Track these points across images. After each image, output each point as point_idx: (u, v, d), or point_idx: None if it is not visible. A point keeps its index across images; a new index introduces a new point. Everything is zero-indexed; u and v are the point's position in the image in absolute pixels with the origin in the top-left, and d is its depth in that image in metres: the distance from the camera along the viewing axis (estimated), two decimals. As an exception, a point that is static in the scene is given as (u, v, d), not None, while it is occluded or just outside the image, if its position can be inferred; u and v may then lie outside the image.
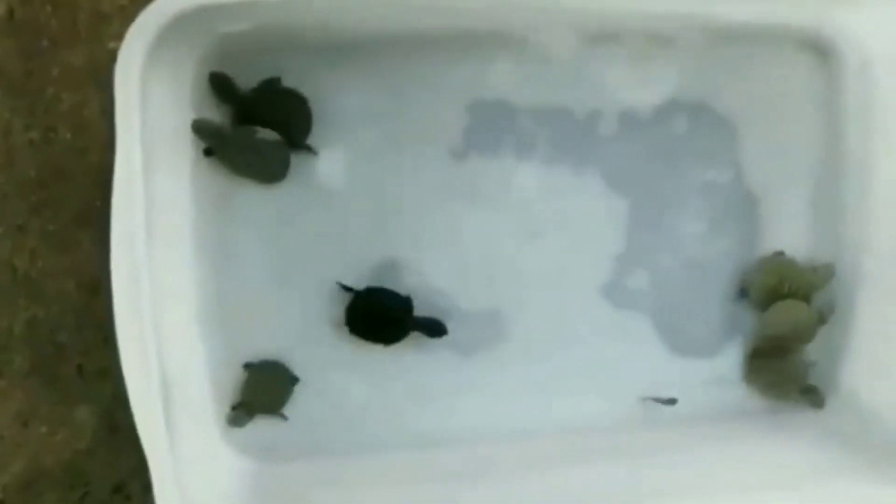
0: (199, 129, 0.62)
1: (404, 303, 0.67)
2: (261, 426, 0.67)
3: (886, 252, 0.68)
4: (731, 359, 0.71)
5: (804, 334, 0.70)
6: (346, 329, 0.66)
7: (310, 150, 0.65)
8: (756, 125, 0.69)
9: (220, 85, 0.63)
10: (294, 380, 0.67)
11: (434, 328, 0.67)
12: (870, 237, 0.69)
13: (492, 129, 0.67)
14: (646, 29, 0.66)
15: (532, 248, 0.68)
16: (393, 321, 0.67)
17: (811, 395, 0.70)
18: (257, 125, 0.63)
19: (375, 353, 0.68)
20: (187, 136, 0.62)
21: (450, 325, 0.68)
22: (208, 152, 0.63)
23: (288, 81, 0.64)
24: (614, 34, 0.66)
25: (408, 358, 0.68)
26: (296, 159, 0.66)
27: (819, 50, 0.68)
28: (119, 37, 0.54)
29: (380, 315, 0.67)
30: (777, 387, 0.71)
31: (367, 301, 0.66)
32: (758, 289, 0.70)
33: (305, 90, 0.65)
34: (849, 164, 0.69)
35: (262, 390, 0.67)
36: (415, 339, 0.68)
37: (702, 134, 0.69)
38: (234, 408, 0.66)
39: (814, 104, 0.70)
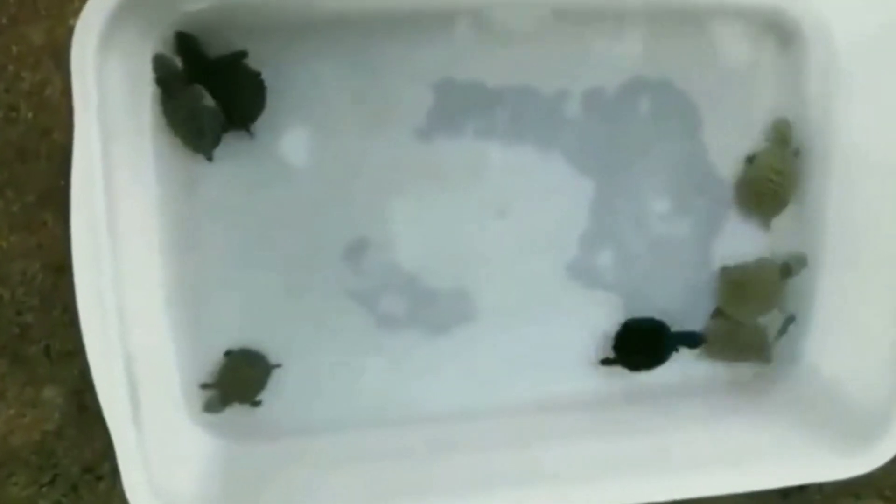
0: (159, 64, 0.60)
1: (662, 325, 0.70)
2: (231, 407, 0.67)
3: (845, 226, 0.69)
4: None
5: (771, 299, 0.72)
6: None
7: (248, 131, 0.65)
8: (720, 105, 0.69)
9: (186, 45, 0.61)
10: (273, 366, 0.67)
11: (693, 339, 0.71)
12: (829, 212, 0.70)
13: (457, 108, 0.67)
14: (610, 7, 0.66)
15: (498, 227, 0.69)
16: (658, 344, 0.70)
17: (762, 353, 0.71)
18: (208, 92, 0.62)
19: (344, 334, 0.68)
20: (148, 115, 0.62)
21: (417, 304, 0.68)
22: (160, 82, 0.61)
23: (251, 61, 0.64)
24: (579, 12, 0.66)
25: (377, 337, 0.69)
26: (261, 139, 0.65)
27: (783, 30, 0.68)
28: (79, 14, 0.54)
29: (647, 343, 0.70)
30: (734, 350, 0.72)
31: (633, 332, 0.70)
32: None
33: (268, 69, 0.64)
34: (810, 141, 0.70)
35: (239, 378, 0.67)
36: (382, 318, 0.68)
37: (666, 113, 0.69)
38: (203, 386, 0.66)
39: (777, 84, 0.70)
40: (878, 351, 0.65)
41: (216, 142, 0.64)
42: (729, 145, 0.70)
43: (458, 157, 0.68)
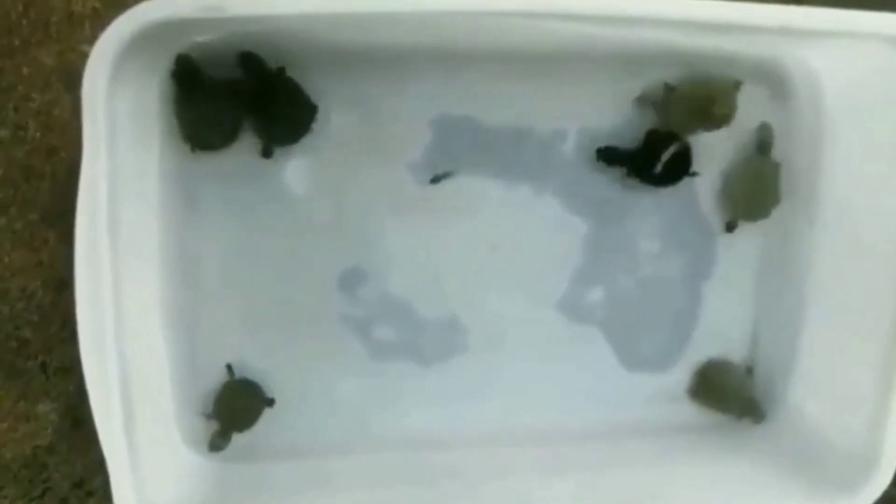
0: (182, 63, 0.61)
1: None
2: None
3: (834, 269, 0.70)
4: (679, 375, 0.74)
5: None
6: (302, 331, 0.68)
7: (269, 153, 0.66)
8: (710, 148, 0.71)
9: (251, 62, 0.63)
10: (268, 400, 0.68)
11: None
12: (817, 257, 0.71)
13: (453, 144, 0.68)
14: (606, 51, 0.67)
15: (490, 261, 0.70)
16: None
17: (752, 409, 0.72)
18: (266, 107, 0.64)
19: (336, 360, 0.69)
20: (155, 139, 0.63)
21: (410, 334, 0.70)
22: (178, 70, 0.62)
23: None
24: (576, 54, 0.67)
25: (369, 365, 0.70)
26: (262, 167, 0.66)
27: (774, 80, 0.70)
28: (91, 39, 0.55)
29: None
30: (720, 399, 0.73)
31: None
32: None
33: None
34: (798, 185, 0.71)
35: (236, 407, 0.68)
36: (375, 346, 0.69)
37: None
38: (207, 416, 0.67)
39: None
40: (861, 396, 0.66)
41: (229, 139, 0.65)
42: (719, 188, 0.72)
43: (453, 192, 0.69)
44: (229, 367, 0.68)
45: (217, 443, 0.67)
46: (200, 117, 0.64)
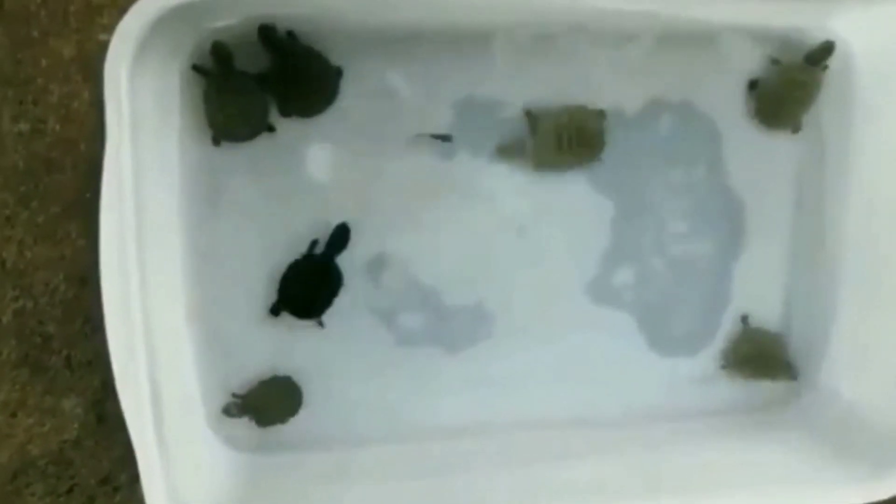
0: (217, 50, 0.61)
1: None
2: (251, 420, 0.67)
3: (866, 249, 0.69)
4: (710, 357, 0.72)
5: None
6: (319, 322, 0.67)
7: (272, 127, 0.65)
8: (739, 125, 0.70)
9: (269, 35, 0.61)
10: (294, 408, 0.68)
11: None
12: (850, 234, 0.70)
13: (478, 126, 0.67)
14: (632, 28, 0.67)
15: (517, 245, 0.69)
16: None
17: (787, 369, 0.71)
18: (294, 78, 0.63)
19: (363, 349, 0.68)
20: (176, 129, 0.62)
21: (435, 321, 0.69)
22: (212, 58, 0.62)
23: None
24: (601, 33, 0.67)
25: (396, 353, 0.69)
26: (285, 154, 0.66)
27: (802, 52, 0.69)
28: (109, 29, 0.54)
29: None
30: (755, 364, 0.72)
31: None
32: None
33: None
34: (829, 162, 0.71)
35: (267, 404, 0.67)
36: (401, 334, 0.69)
37: (686, 134, 0.70)
38: (233, 395, 0.66)
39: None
40: (894, 375, 0.65)
41: (257, 131, 0.65)
42: (748, 165, 0.71)
43: (478, 175, 0.68)
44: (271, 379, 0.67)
45: (230, 410, 0.66)
46: (231, 110, 0.63)
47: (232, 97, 0.63)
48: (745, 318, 0.72)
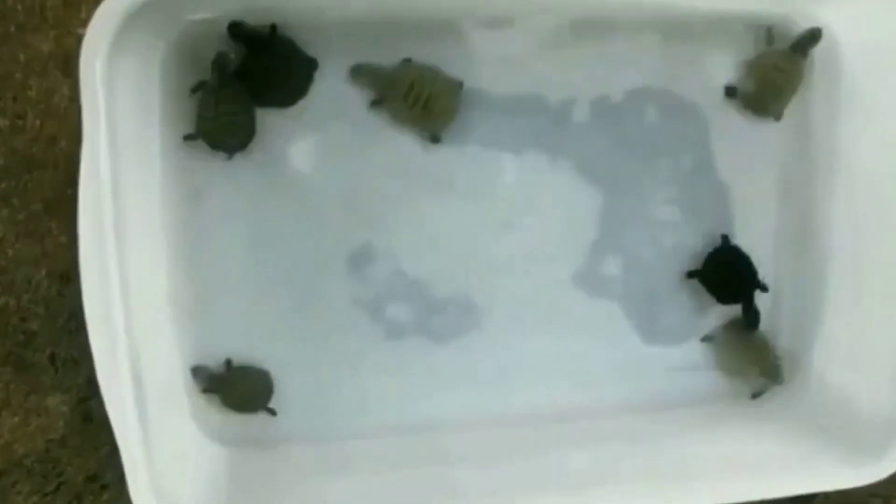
0: (220, 61, 0.61)
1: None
2: (236, 415, 0.67)
3: (853, 236, 0.69)
4: (700, 347, 0.72)
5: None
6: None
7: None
8: (725, 113, 0.70)
9: (239, 30, 0.61)
10: (270, 409, 0.67)
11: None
12: (837, 221, 0.70)
13: (461, 117, 0.66)
14: (618, 16, 0.66)
15: (505, 236, 0.69)
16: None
17: (773, 371, 0.71)
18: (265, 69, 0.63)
19: (349, 341, 0.68)
20: (156, 124, 0.62)
21: (423, 313, 0.68)
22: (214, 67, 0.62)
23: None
24: (588, 22, 0.66)
25: (382, 345, 0.68)
26: (267, 147, 0.65)
27: (789, 40, 0.68)
28: (87, 23, 0.54)
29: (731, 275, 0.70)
30: (742, 364, 0.72)
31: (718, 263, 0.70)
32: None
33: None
34: (815, 149, 0.70)
35: (237, 392, 0.67)
36: (387, 326, 0.68)
37: (673, 122, 0.69)
38: (204, 391, 0.66)
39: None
40: (885, 361, 0.65)
41: (247, 142, 0.64)
42: (734, 153, 0.70)
43: (465, 166, 0.67)
44: (228, 362, 0.67)
45: (200, 372, 0.65)
46: (225, 119, 0.63)
47: (228, 107, 0.62)
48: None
